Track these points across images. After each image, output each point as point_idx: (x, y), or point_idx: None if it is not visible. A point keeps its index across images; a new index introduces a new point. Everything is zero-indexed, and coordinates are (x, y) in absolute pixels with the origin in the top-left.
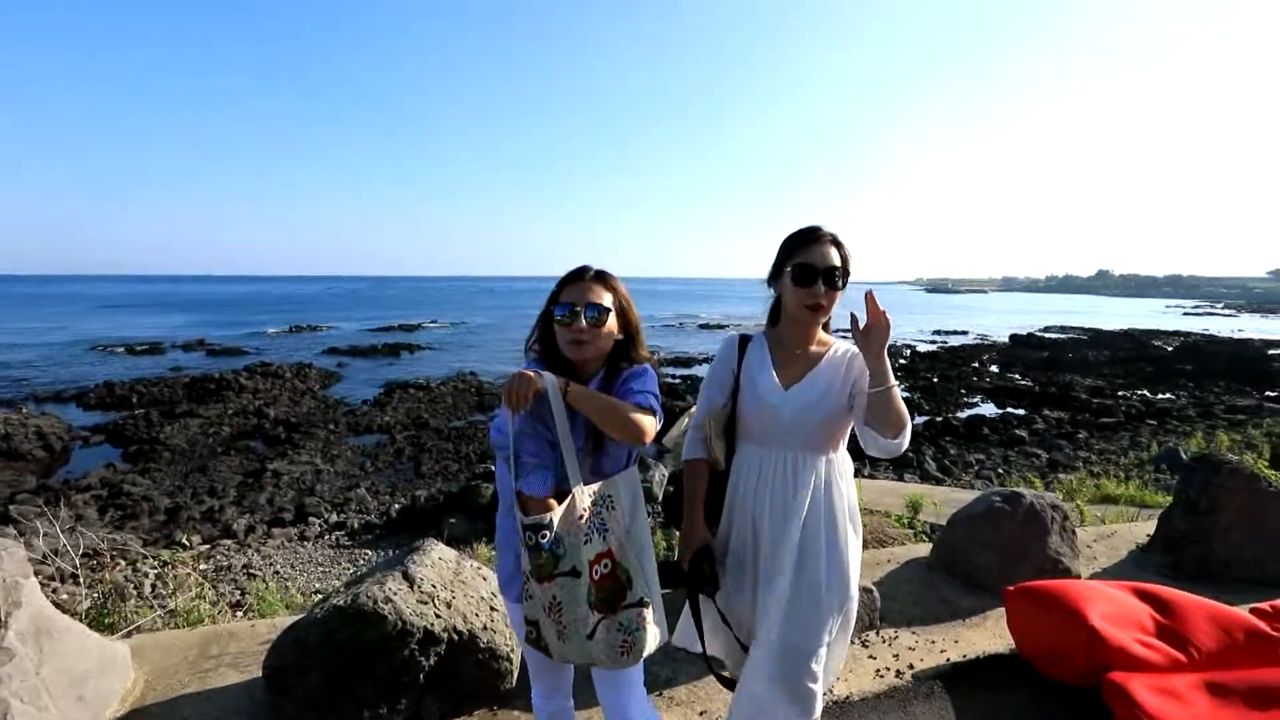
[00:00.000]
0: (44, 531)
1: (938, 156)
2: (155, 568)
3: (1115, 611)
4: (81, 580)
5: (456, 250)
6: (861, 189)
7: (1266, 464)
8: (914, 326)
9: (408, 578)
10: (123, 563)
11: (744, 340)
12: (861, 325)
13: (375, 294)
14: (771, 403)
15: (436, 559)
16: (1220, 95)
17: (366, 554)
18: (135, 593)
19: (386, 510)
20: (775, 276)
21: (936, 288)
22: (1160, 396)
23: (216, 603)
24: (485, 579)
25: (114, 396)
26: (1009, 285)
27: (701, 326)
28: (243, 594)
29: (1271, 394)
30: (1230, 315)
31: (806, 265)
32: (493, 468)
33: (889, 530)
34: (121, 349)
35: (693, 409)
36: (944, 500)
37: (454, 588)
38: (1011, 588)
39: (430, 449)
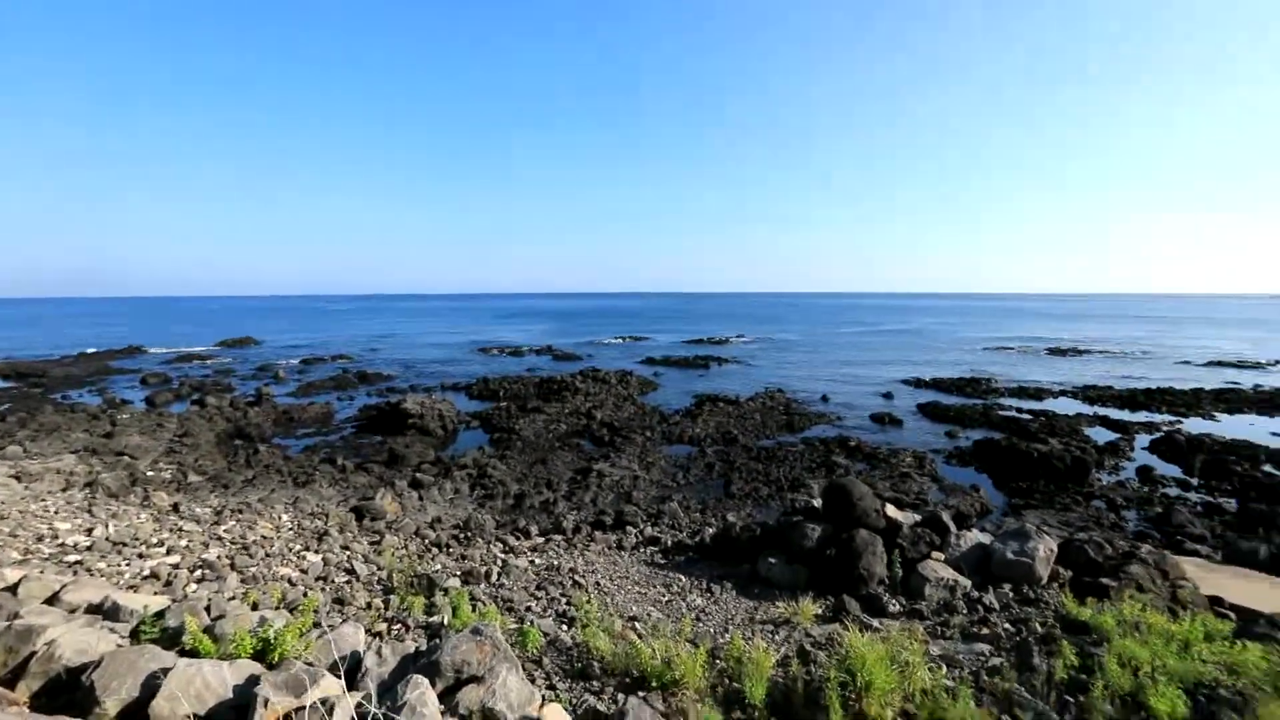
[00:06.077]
0: (433, 500)
1: None
2: (504, 551)
3: None
4: (450, 553)
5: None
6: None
7: None
8: None
9: None
10: (480, 541)
11: None
12: None
13: (684, 309)
14: None
15: None
16: None
17: (680, 579)
18: (485, 577)
19: (698, 530)
20: None
21: None
22: None
23: (546, 610)
24: None
25: (487, 389)
26: None
27: (1050, 351)
28: (568, 603)
29: None
30: None
31: None
32: (815, 503)
33: None
34: (496, 350)
35: None
36: None
37: None
38: None
39: (740, 468)
